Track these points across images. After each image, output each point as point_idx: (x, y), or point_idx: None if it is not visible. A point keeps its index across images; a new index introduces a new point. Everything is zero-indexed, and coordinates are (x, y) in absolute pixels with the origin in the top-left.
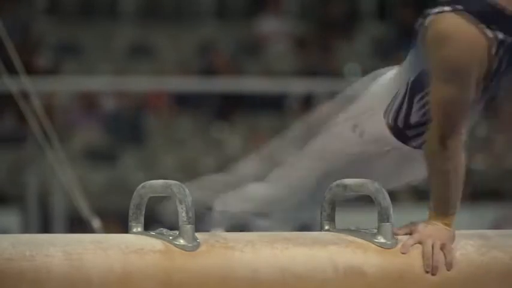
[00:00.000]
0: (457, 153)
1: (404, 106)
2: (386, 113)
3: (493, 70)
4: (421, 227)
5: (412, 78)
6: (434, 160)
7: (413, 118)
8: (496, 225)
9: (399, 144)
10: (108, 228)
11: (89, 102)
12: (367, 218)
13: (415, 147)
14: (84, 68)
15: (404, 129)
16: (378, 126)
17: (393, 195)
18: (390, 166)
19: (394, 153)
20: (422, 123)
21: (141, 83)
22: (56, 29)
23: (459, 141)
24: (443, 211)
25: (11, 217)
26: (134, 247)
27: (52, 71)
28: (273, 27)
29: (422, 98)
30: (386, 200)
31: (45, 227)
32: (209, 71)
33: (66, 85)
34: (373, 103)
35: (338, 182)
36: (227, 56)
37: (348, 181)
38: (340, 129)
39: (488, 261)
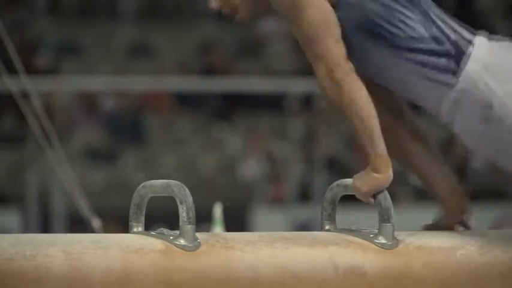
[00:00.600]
0: (351, 84)
1: None
2: None
3: None
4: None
5: None
6: (332, 97)
7: None
8: (496, 225)
9: None
10: (108, 228)
11: (89, 102)
12: (368, 218)
13: None
14: (84, 68)
15: None
16: None
17: (393, 195)
18: None
19: None
20: None
21: (141, 83)
22: (56, 29)
23: (346, 70)
24: (369, 152)
25: (11, 217)
26: (134, 247)
27: (52, 71)
28: (273, 27)
29: None
30: (387, 200)
31: (45, 227)
32: (209, 71)
33: (66, 85)
34: None
35: (338, 181)
36: (227, 56)
37: (348, 181)
38: None
39: (488, 261)
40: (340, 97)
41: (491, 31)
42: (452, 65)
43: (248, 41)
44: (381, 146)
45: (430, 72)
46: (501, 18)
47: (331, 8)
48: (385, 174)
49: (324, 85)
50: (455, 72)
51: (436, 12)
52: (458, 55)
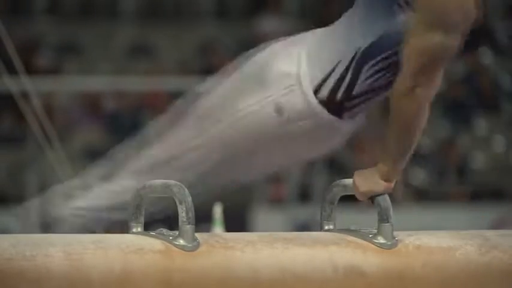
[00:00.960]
0: (424, 105)
1: (348, 77)
2: (316, 87)
3: (478, 23)
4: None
5: (365, 45)
6: (398, 104)
7: (358, 88)
8: (496, 225)
9: (328, 117)
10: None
11: (89, 102)
12: (367, 218)
13: (349, 118)
14: (84, 68)
15: (343, 101)
16: (299, 102)
17: (393, 196)
18: (304, 141)
19: (308, 128)
20: (366, 92)
21: (141, 83)
22: (56, 29)
23: (430, 93)
24: (389, 162)
25: (11, 217)
26: (134, 247)
27: (52, 71)
28: (273, 26)
29: (375, 64)
30: (386, 200)
31: None
32: (209, 71)
33: (66, 85)
34: (284, 80)
35: (338, 181)
36: (227, 56)
37: (348, 181)
38: (254, 110)
39: (488, 261)
40: (409, 108)
41: (491, 31)
42: None
43: (248, 41)
44: (404, 164)
45: None
46: (501, 18)
47: None
48: (391, 184)
49: (400, 92)
50: None
51: None
52: None
